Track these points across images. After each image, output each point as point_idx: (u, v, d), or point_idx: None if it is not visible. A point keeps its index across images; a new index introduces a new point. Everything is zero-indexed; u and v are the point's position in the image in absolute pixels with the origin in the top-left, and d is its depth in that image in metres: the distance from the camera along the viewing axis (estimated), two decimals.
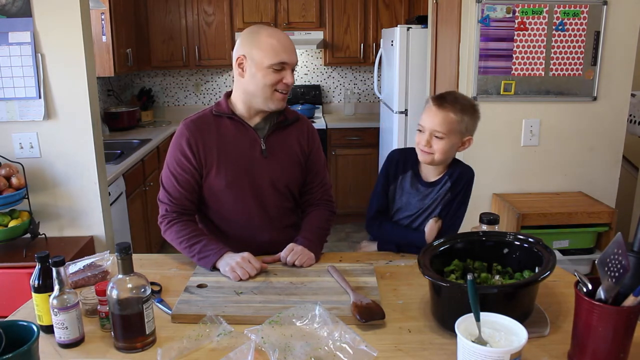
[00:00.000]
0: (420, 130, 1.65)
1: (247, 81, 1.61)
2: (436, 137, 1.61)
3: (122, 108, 4.37)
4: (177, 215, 1.66)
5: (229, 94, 1.72)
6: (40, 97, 2.21)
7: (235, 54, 1.63)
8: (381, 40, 4.17)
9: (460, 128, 1.61)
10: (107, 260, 1.57)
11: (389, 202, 1.76)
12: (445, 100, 1.62)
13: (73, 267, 1.51)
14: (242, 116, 1.68)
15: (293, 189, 1.76)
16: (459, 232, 1.72)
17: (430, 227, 1.66)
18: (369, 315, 1.26)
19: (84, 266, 1.52)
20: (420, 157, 1.66)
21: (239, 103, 1.68)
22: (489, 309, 1.07)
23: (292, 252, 1.59)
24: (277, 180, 1.70)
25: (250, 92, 1.62)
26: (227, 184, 1.66)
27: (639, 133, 2.78)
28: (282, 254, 1.60)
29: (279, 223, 1.74)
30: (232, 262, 1.50)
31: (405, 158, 1.74)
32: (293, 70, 1.63)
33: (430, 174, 1.71)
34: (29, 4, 2.13)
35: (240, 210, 1.69)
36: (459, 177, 1.68)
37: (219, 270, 1.53)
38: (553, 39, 2.37)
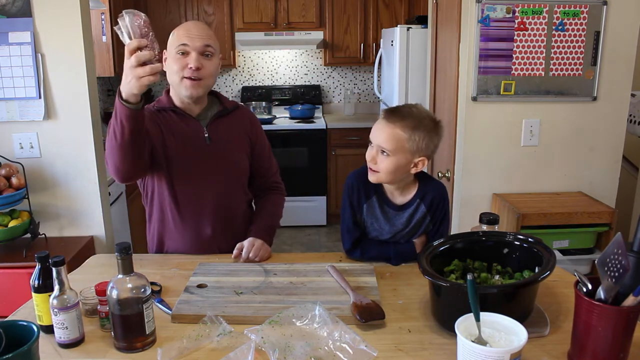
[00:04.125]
0: (370, 144, 1.53)
1: (167, 73, 1.65)
2: (382, 153, 1.48)
3: None
4: None
5: (168, 90, 1.75)
6: (40, 97, 2.21)
7: None
8: (381, 40, 4.17)
9: (409, 147, 1.46)
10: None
11: (361, 227, 1.63)
12: (395, 114, 1.48)
13: None
14: (182, 108, 1.70)
15: (240, 176, 1.79)
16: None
17: (421, 240, 1.61)
18: (369, 315, 1.26)
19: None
20: (369, 175, 1.53)
21: (174, 97, 1.71)
22: (489, 309, 1.07)
23: (253, 247, 1.64)
24: (223, 167, 1.73)
25: (170, 83, 1.66)
26: (174, 172, 1.68)
27: (639, 133, 2.78)
28: (245, 249, 1.64)
29: (228, 212, 1.76)
30: (124, 74, 1.35)
31: (364, 182, 1.57)
32: (205, 55, 1.60)
33: (397, 196, 1.59)
34: (29, 4, 2.13)
35: (189, 199, 1.71)
36: (434, 200, 1.56)
37: (126, 101, 1.38)
38: (553, 39, 2.37)
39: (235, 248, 1.66)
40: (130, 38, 1.30)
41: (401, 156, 1.47)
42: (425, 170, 1.91)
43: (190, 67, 1.58)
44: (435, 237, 1.56)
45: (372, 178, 1.53)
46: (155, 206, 1.75)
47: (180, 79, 1.60)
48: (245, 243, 1.66)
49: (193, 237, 1.73)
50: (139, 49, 1.29)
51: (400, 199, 1.59)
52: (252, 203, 1.90)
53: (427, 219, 1.59)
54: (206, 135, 1.70)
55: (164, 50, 1.65)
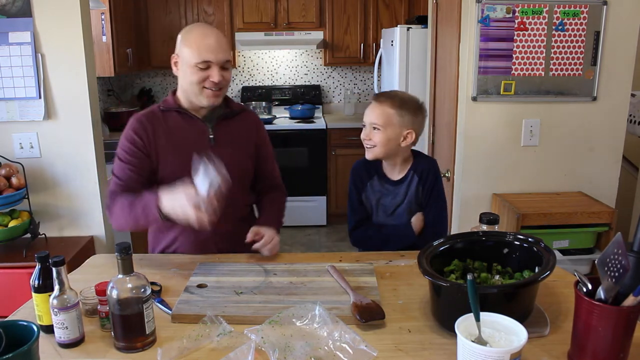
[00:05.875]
0: (363, 126, 1.75)
1: (181, 78, 1.68)
2: (374, 129, 1.71)
3: (122, 108, 4.37)
4: (122, 191, 1.63)
5: (174, 91, 1.77)
6: (40, 97, 2.21)
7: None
8: (381, 40, 4.17)
9: (397, 121, 1.69)
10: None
11: (367, 209, 1.83)
12: (383, 95, 1.74)
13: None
14: (188, 109, 1.71)
15: (243, 178, 1.79)
16: (448, 219, 1.87)
17: (417, 217, 1.76)
18: (369, 315, 1.26)
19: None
20: (366, 153, 1.75)
21: (182, 98, 1.73)
22: (489, 309, 1.07)
23: (272, 242, 1.65)
24: (226, 168, 1.71)
25: (184, 89, 1.68)
26: (178, 174, 1.66)
27: (639, 133, 2.78)
28: (264, 240, 1.64)
29: (230, 214, 1.74)
30: (178, 204, 1.45)
31: (368, 165, 1.82)
32: (224, 68, 1.64)
33: (394, 172, 1.80)
34: (29, 4, 2.13)
35: None
36: (424, 171, 1.76)
37: (171, 220, 1.49)
38: (553, 39, 2.37)
39: (251, 231, 1.66)
40: (208, 186, 1.43)
41: (390, 130, 1.70)
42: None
43: (213, 81, 1.62)
44: (429, 212, 1.76)
45: (368, 155, 1.75)
46: None
47: (201, 89, 1.64)
48: (266, 233, 1.66)
49: (193, 238, 1.73)
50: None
51: (397, 175, 1.80)
52: (254, 206, 1.90)
53: (420, 189, 1.77)
54: (211, 136, 1.71)
55: (177, 54, 1.67)
